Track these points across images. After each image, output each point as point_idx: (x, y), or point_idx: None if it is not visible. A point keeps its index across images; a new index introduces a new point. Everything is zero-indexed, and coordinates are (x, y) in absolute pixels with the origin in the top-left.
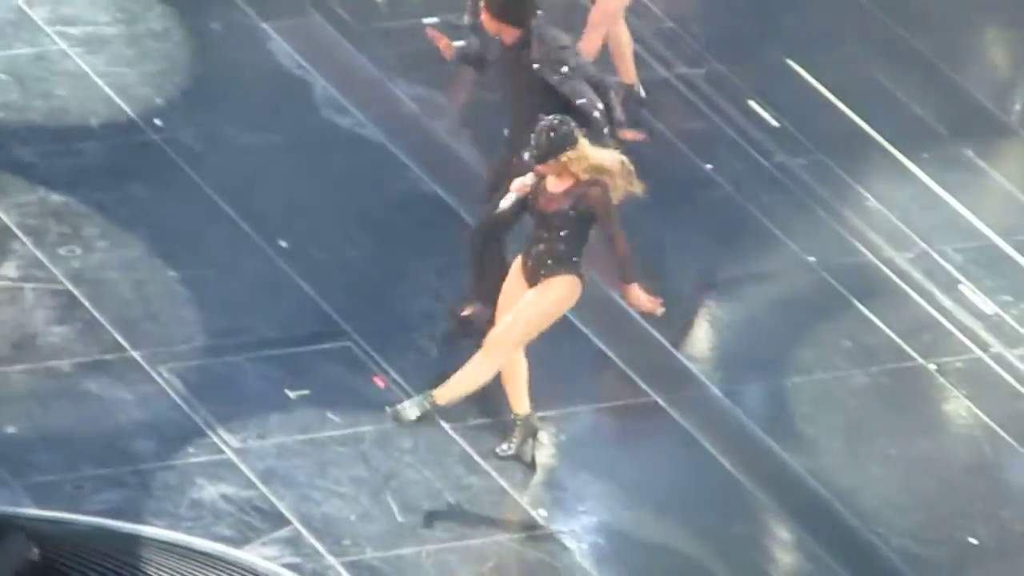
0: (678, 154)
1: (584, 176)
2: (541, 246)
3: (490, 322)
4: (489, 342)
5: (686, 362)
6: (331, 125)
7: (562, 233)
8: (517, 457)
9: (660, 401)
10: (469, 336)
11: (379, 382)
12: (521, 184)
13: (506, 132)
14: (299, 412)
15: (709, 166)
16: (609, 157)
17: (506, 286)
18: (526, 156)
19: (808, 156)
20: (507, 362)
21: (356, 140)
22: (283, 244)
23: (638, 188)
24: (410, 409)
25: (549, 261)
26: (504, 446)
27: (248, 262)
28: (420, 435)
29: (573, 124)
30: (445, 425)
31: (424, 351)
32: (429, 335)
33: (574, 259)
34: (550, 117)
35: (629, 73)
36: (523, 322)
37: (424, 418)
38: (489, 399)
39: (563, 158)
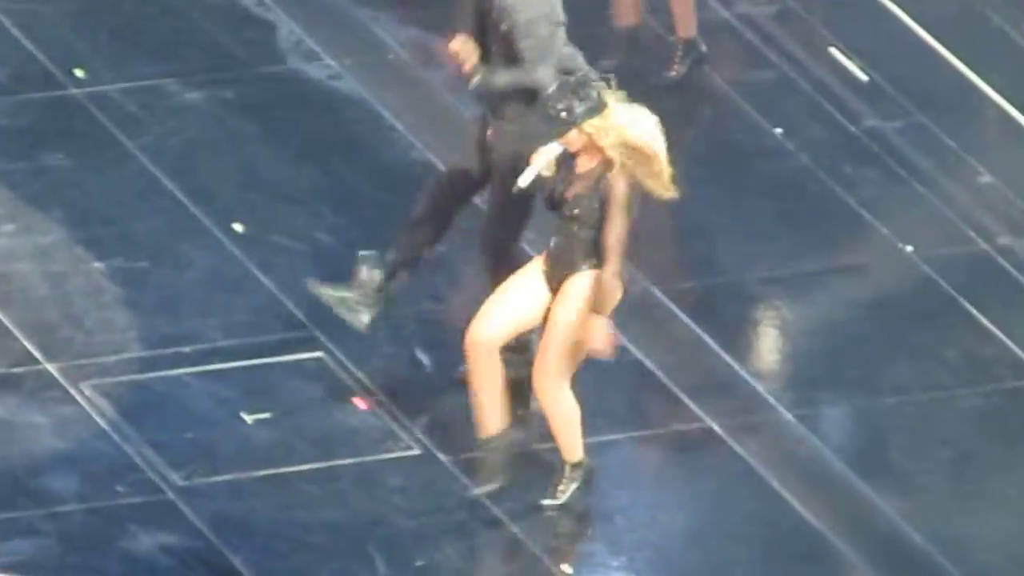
0: (740, 115)
1: (611, 154)
2: (563, 239)
3: None
4: (537, 387)
5: (749, 378)
6: (299, 77)
7: (586, 225)
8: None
9: (716, 427)
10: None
11: (361, 403)
12: (545, 155)
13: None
14: (259, 441)
15: (779, 131)
16: (649, 137)
17: (523, 285)
18: (537, 123)
19: (905, 118)
20: (552, 401)
21: (331, 96)
22: (238, 228)
23: (669, 191)
24: (563, 493)
25: (574, 255)
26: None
27: (194, 251)
28: (412, 471)
29: (601, 83)
30: (443, 458)
31: (417, 364)
32: (425, 344)
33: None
34: (575, 74)
35: (686, 25)
36: (558, 347)
37: (586, 484)
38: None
39: (587, 128)
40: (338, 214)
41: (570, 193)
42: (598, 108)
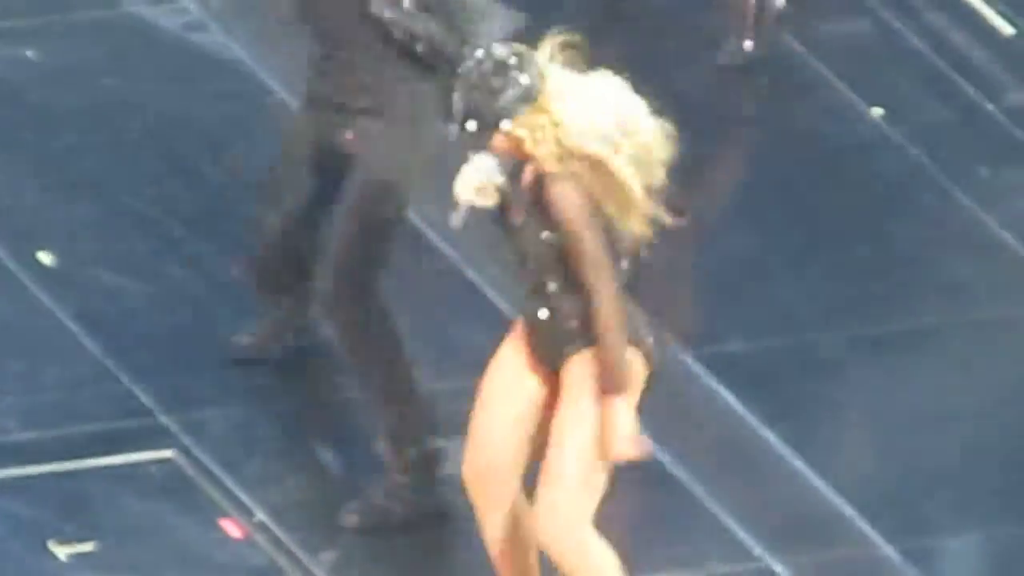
0: (817, 88)
1: (550, 166)
2: (548, 303)
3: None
4: (545, 533)
5: (830, 495)
6: (139, 27)
7: (549, 267)
8: None
9: (779, 569)
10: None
11: (233, 528)
12: (477, 173)
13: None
14: None
15: (877, 111)
16: (607, 136)
17: (499, 376)
18: (447, 123)
19: None
20: (572, 553)
21: (188, 55)
22: (45, 259)
23: (641, 228)
24: None
25: (559, 323)
26: None
27: None
28: None
29: (533, 58)
30: None
31: (317, 469)
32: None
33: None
34: (489, 44)
35: None
36: (572, 472)
37: None
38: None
39: (513, 127)
40: (198, 236)
41: (519, 222)
42: (530, 93)
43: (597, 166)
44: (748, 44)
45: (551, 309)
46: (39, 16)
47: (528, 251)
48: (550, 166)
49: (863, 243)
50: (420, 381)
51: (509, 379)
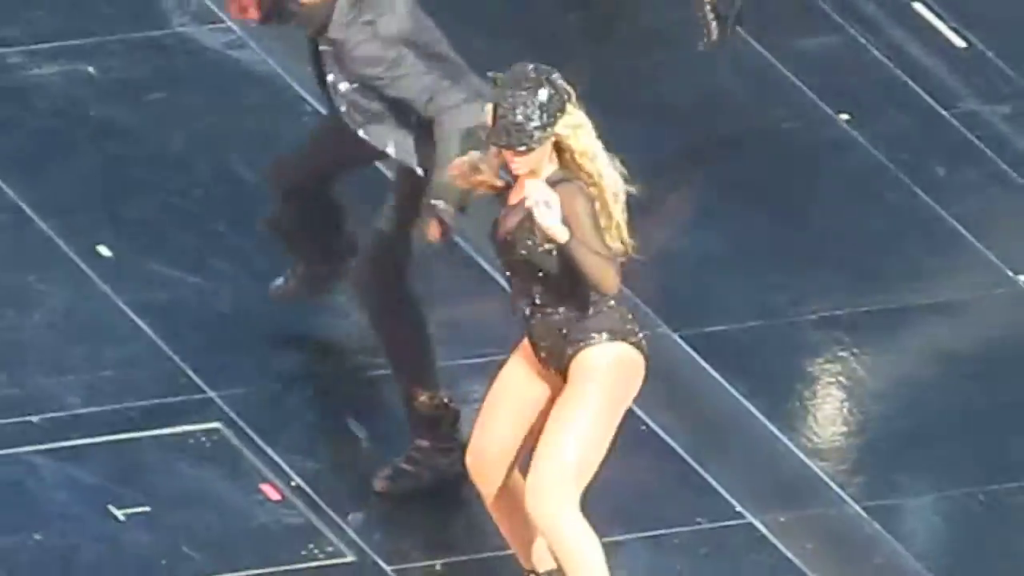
0: (789, 96)
1: (586, 165)
2: (545, 315)
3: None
4: (534, 507)
5: (803, 457)
6: (188, 45)
7: (552, 282)
8: None
9: (758, 524)
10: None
11: (272, 492)
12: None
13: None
14: (132, 545)
15: (843, 116)
16: (608, 166)
17: (506, 374)
18: (484, 136)
19: (1018, 100)
20: (557, 527)
21: (231, 71)
22: (104, 251)
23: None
24: None
25: (567, 332)
26: None
27: (44, 284)
28: None
29: (559, 79)
30: (387, 569)
31: (349, 439)
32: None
33: (607, 313)
34: (527, 66)
35: None
36: (570, 453)
37: None
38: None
39: (560, 130)
40: (239, 232)
41: (508, 238)
42: (564, 100)
43: (595, 183)
44: (714, 33)
45: (542, 316)
46: (98, 36)
47: (517, 262)
48: (580, 158)
49: (833, 234)
50: (439, 358)
51: (514, 377)
